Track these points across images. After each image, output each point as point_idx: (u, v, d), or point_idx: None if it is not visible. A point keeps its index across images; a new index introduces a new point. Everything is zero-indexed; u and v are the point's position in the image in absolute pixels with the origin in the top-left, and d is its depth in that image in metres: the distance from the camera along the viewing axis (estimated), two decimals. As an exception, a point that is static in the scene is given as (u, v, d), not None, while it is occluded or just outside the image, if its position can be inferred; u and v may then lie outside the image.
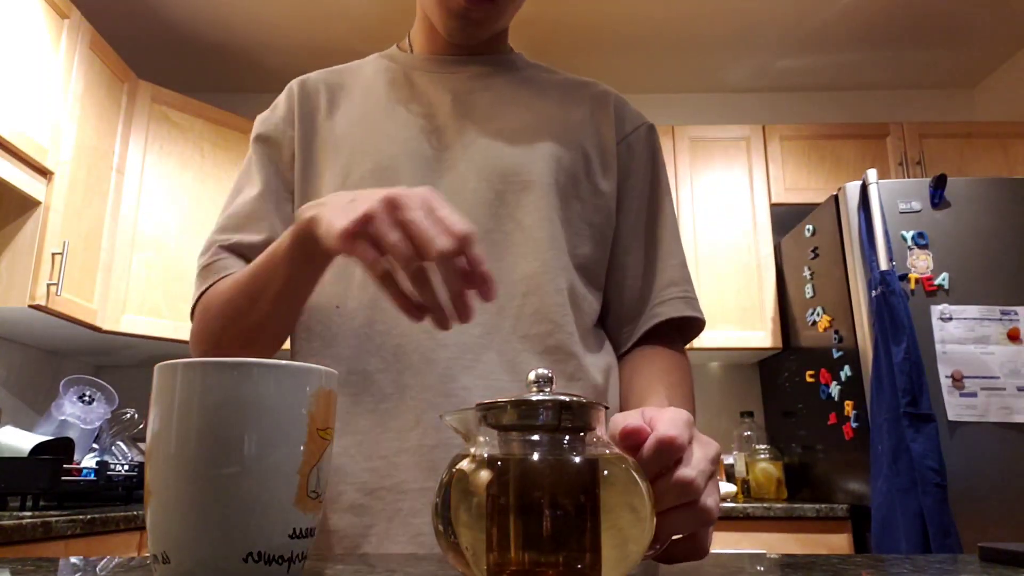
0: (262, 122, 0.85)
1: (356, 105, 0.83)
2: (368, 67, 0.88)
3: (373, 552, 0.68)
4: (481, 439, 0.41)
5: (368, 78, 0.86)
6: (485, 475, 0.38)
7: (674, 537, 0.44)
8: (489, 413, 0.41)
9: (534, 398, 0.40)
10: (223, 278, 0.75)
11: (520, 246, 0.76)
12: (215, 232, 0.80)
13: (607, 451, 0.40)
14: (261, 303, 0.68)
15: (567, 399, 0.40)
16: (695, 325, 0.84)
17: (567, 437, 0.40)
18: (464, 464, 0.40)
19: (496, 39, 0.87)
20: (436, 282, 0.52)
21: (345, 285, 0.75)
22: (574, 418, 0.40)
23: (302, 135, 0.82)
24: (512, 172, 0.77)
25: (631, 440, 0.42)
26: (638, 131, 0.87)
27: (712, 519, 0.44)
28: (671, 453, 0.42)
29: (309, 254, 0.62)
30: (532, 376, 0.42)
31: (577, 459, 0.39)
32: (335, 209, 0.55)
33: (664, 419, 0.44)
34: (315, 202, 0.60)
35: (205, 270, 0.77)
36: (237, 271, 0.75)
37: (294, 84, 0.86)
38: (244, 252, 0.78)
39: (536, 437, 0.40)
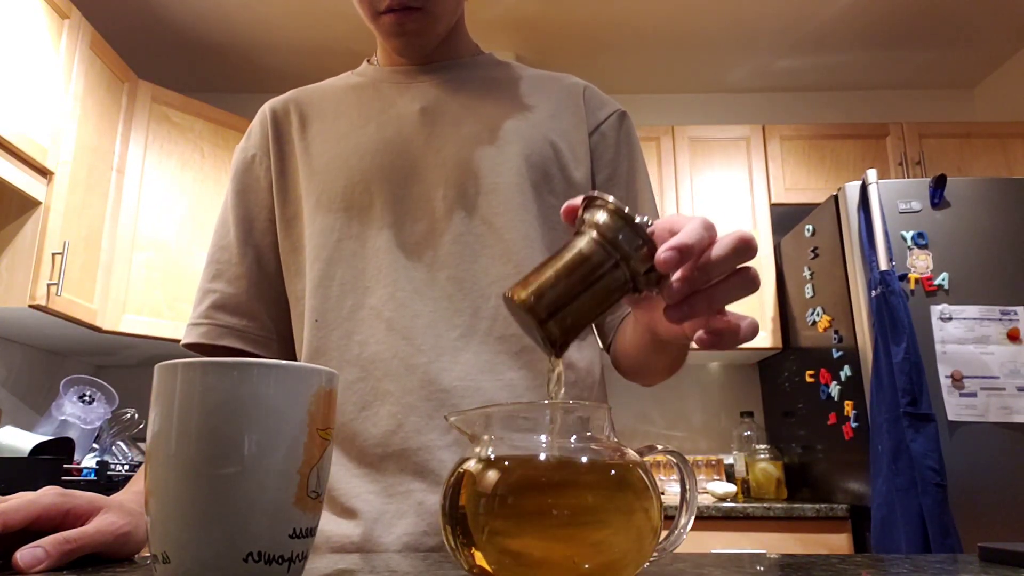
0: (238, 153, 0.87)
1: (328, 124, 0.83)
2: (339, 83, 0.88)
3: (360, 553, 0.69)
4: (486, 438, 0.41)
5: (339, 95, 0.86)
6: (492, 475, 0.38)
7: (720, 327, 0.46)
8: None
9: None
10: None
11: (492, 248, 0.75)
12: (203, 278, 0.85)
13: (615, 453, 0.40)
14: None
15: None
16: None
17: (574, 437, 0.40)
18: (470, 465, 0.40)
19: (458, 43, 0.88)
20: None
21: (322, 298, 0.76)
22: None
23: (277, 159, 0.84)
24: (480, 175, 0.77)
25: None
26: (610, 119, 0.87)
27: (758, 283, 0.45)
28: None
29: None
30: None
31: (584, 460, 0.39)
32: None
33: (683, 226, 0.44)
34: None
35: (195, 328, 0.82)
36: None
37: (266, 108, 0.87)
38: (225, 303, 0.82)
39: (542, 437, 0.40)
